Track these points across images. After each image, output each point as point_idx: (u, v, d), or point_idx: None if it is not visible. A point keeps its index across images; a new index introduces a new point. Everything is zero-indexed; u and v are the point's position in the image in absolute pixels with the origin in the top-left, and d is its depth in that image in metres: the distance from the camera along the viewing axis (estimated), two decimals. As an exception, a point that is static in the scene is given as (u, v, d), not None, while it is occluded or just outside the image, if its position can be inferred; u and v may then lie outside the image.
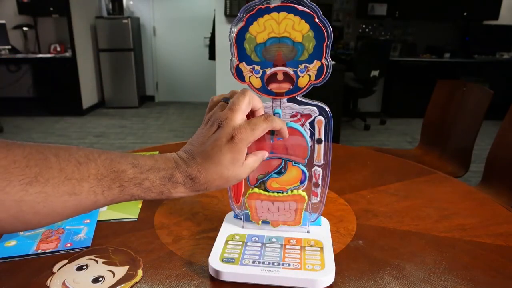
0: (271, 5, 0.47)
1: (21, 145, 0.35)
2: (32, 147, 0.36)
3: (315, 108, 0.52)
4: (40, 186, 0.34)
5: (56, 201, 0.35)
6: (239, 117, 0.44)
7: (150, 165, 0.41)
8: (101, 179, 0.38)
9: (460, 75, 4.51)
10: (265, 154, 0.49)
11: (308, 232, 0.58)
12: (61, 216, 0.37)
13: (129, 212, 0.68)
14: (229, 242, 0.55)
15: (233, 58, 0.51)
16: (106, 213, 0.67)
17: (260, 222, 0.59)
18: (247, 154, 0.45)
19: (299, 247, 0.54)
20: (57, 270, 0.51)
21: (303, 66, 0.49)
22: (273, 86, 0.51)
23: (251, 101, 0.46)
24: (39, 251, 0.56)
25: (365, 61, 3.92)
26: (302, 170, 0.54)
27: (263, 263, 0.50)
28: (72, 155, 0.37)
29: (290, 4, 0.47)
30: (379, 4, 4.50)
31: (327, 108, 0.52)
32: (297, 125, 0.51)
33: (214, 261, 0.51)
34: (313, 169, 0.55)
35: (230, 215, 0.62)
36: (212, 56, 3.68)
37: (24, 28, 4.58)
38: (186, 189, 0.43)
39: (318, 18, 0.47)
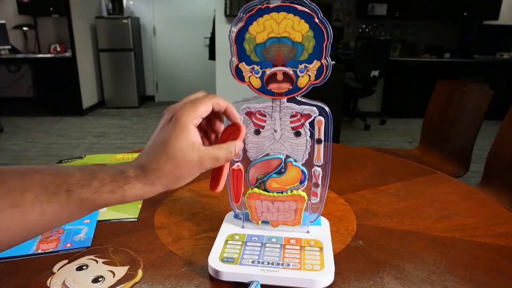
0: (271, 5, 0.47)
1: None
2: None
3: (315, 108, 0.52)
4: None
5: (0, 215, 0.33)
6: (181, 104, 0.42)
7: (99, 167, 0.38)
8: (46, 187, 0.35)
9: (460, 75, 4.51)
10: (234, 145, 0.44)
11: (308, 232, 0.58)
12: (7, 233, 0.34)
13: (129, 212, 0.68)
14: (229, 242, 0.55)
15: (233, 58, 0.51)
16: (106, 213, 0.67)
17: (260, 222, 0.59)
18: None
19: (298, 247, 0.54)
20: (57, 270, 0.51)
21: (302, 66, 0.49)
22: (272, 86, 0.51)
23: (210, 100, 0.43)
24: (39, 251, 0.56)
25: (365, 61, 3.91)
26: (302, 170, 0.54)
27: (263, 263, 0.50)
28: (17, 170, 0.36)
29: (290, 4, 0.47)
30: (379, 4, 4.50)
31: (327, 108, 0.52)
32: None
33: (214, 261, 0.51)
34: (313, 169, 0.55)
35: (230, 215, 0.62)
36: (212, 56, 3.68)
37: (24, 28, 4.57)
38: (140, 184, 0.38)
39: (318, 18, 0.47)
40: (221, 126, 0.46)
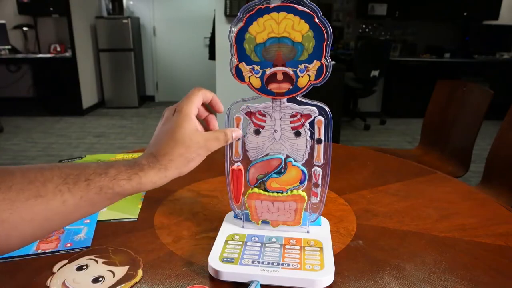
0: (271, 5, 0.47)
1: None
2: None
3: (315, 108, 0.52)
4: (3, 193, 0.33)
5: (22, 206, 0.34)
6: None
7: (114, 160, 0.41)
8: (65, 177, 0.37)
9: (460, 75, 4.51)
10: (232, 132, 0.50)
11: (308, 232, 0.58)
12: (31, 224, 0.35)
13: (129, 212, 0.68)
14: (229, 242, 0.55)
15: (233, 58, 0.51)
16: (106, 213, 0.67)
17: (260, 222, 0.59)
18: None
19: (298, 247, 0.54)
20: (57, 270, 0.51)
21: (302, 66, 0.49)
22: (272, 86, 0.51)
23: (200, 92, 0.49)
24: (39, 251, 0.56)
25: (365, 61, 3.91)
26: (302, 170, 0.54)
27: (263, 263, 0.50)
28: (34, 166, 0.37)
29: (290, 4, 0.47)
30: (379, 4, 4.50)
31: (327, 108, 0.52)
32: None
33: (214, 261, 0.51)
34: (313, 169, 0.55)
35: (230, 215, 0.62)
36: (212, 56, 3.68)
37: (24, 28, 4.57)
38: (154, 170, 0.41)
39: (318, 18, 0.47)
40: (208, 115, 0.51)
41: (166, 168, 0.42)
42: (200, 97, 0.48)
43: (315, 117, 0.52)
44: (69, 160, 0.96)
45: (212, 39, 3.69)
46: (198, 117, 0.49)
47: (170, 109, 0.48)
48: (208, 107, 0.52)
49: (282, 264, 0.50)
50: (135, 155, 0.97)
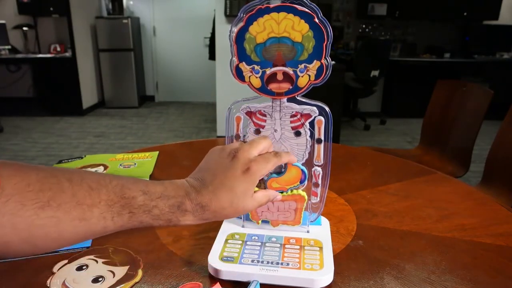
0: (271, 5, 0.47)
1: (36, 168, 0.36)
2: (46, 171, 0.36)
3: (315, 108, 0.52)
4: (52, 210, 0.34)
5: (66, 226, 0.35)
6: (255, 152, 0.46)
7: (160, 192, 0.41)
8: (111, 205, 0.38)
9: (460, 75, 4.51)
10: (276, 194, 0.51)
11: (308, 232, 0.58)
12: (70, 241, 0.37)
13: (129, 212, 0.68)
14: (229, 241, 0.55)
15: (233, 58, 0.51)
16: (106, 213, 0.67)
17: (260, 222, 0.59)
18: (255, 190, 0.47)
19: (298, 247, 0.54)
20: (57, 270, 0.51)
21: (302, 66, 0.49)
22: (272, 86, 0.51)
23: (269, 147, 0.49)
24: (39, 251, 0.56)
25: (365, 61, 3.91)
26: (302, 170, 0.54)
27: (262, 262, 0.50)
28: (84, 180, 0.38)
29: (290, 4, 0.47)
30: (379, 4, 4.50)
31: (327, 108, 0.52)
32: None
33: (214, 260, 0.51)
34: (313, 169, 0.55)
35: (230, 215, 0.62)
36: (212, 56, 3.68)
37: (24, 28, 4.57)
38: (194, 218, 0.43)
39: (318, 18, 0.47)
40: None
41: (205, 219, 0.43)
42: (275, 166, 0.48)
43: (315, 117, 0.52)
44: (69, 160, 0.96)
45: (212, 39, 3.70)
46: None
47: (237, 149, 0.45)
48: None
49: (282, 264, 0.50)
50: (135, 155, 0.97)
